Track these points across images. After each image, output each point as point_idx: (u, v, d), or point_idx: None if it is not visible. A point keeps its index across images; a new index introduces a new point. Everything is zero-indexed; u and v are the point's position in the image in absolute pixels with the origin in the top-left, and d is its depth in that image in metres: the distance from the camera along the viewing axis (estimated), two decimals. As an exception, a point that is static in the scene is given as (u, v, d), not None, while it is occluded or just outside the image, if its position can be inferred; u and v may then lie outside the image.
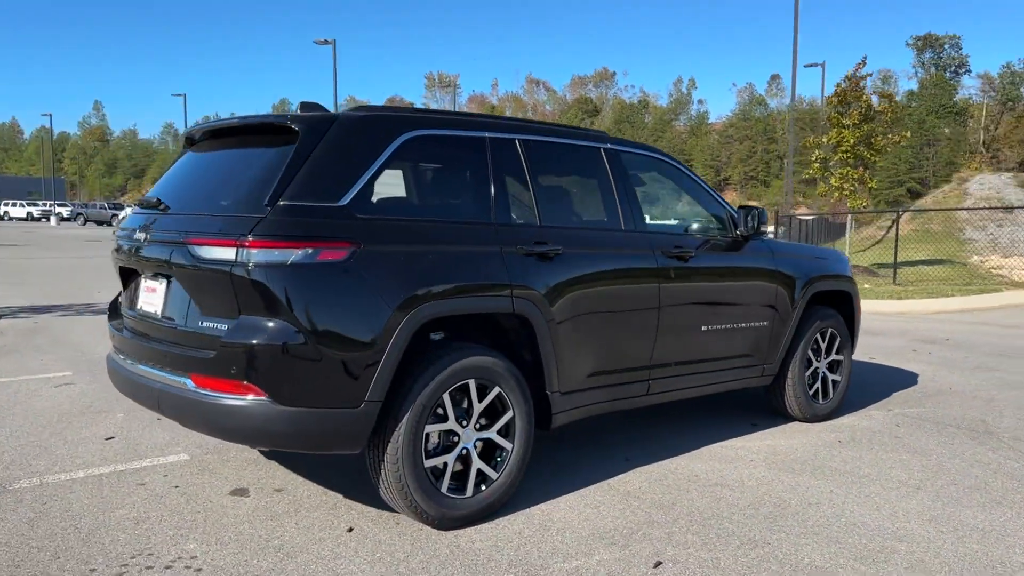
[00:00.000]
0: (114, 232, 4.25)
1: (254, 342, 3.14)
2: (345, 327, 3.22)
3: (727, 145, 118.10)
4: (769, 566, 3.24)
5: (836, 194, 19.33)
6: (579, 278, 3.98)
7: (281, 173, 3.30)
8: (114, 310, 4.26)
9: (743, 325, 4.98)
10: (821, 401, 5.59)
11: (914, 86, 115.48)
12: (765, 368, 5.22)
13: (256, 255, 3.13)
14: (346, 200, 3.34)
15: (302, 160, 3.33)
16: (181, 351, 3.41)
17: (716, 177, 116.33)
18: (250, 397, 3.18)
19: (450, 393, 3.51)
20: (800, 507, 3.90)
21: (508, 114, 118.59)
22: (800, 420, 5.53)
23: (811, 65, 36.22)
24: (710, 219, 5.00)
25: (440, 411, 3.52)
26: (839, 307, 5.77)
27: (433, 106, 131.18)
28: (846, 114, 17.78)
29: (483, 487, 3.64)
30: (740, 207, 5.03)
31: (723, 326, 4.84)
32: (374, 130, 3.56)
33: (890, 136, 18.10)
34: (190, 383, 3.35)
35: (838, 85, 18.05)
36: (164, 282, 3.63)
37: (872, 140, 17.81)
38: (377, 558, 3.26)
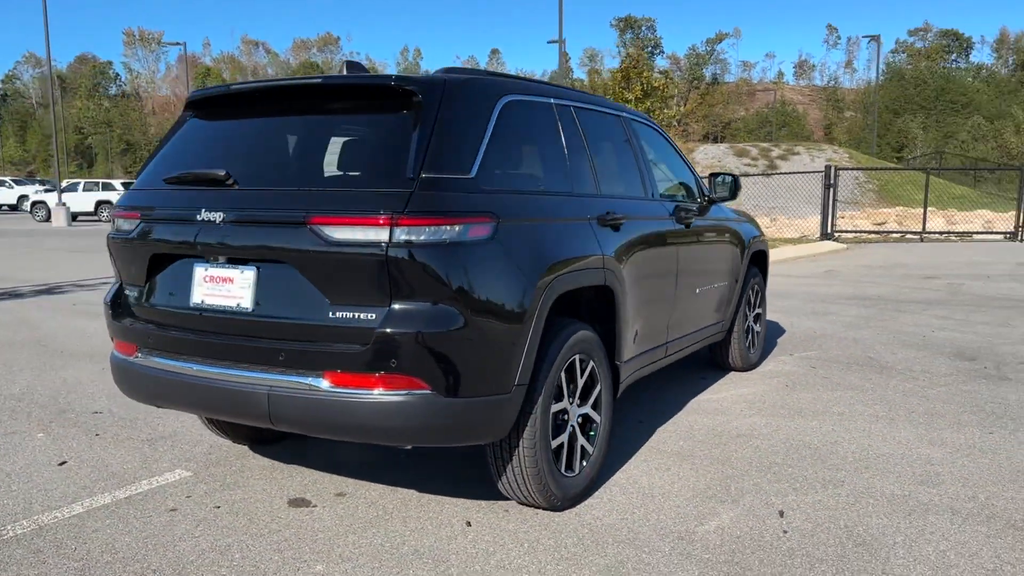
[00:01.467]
0: (110, 215, 3.52)
1: (418, 331, 2.81)
2: (499, 308, 3.00)
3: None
4: (868, 500, 3.56)
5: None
6: (635, 245, 4.01)
7: (416, 143, 2.94)
8: (119, 306, 3.53)
9: (718, 284, 5.31)
10: (752, 352, 6.12)
11: (617, 64, 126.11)
12: (723, 324, 5.61)
13: (414, 234, 2.78)
14: (474, 172, 3.07)
15: (430, 129, 3.00)
16: (303, 347, 2.95)
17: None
18: (411, 392, 2.85)
19: (565, 370, 3.41)
20: (827, 447, 4.29)
21: (227, 77, 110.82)
22: (738, 370, 6.03)
23: (553, 41, 38.20)
24: (692, 184, 5.24)
25: (559, 390, 3.40)
26: (759, 265, 6.33)
27: (135, 67, 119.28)
28: (629, 89, 19.15)
29: (584, 463, 3.59)
30: (711, 173, 5.34)
31: (709, 286, 5.13)
32: (481, 95, 3.29)
33: (666, 111, 19.85)
34: (323, 383, 2.91)
35: (623, 62, 19.38)
36: (249, 270, 3.08)
37: (651, 114, 19.37)
38: (523, 547, 3.11)
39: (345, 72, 3.55)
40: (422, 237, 2.79)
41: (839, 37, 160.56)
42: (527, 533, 3.24)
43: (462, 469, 3.95)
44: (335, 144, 3.28)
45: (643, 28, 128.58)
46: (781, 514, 3.42)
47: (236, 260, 3.11)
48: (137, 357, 3.41)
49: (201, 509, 3.48)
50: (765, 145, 37.79)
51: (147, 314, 3.40)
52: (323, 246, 2.86)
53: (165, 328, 3.31)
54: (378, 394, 2.85)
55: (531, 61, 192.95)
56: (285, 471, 3.93)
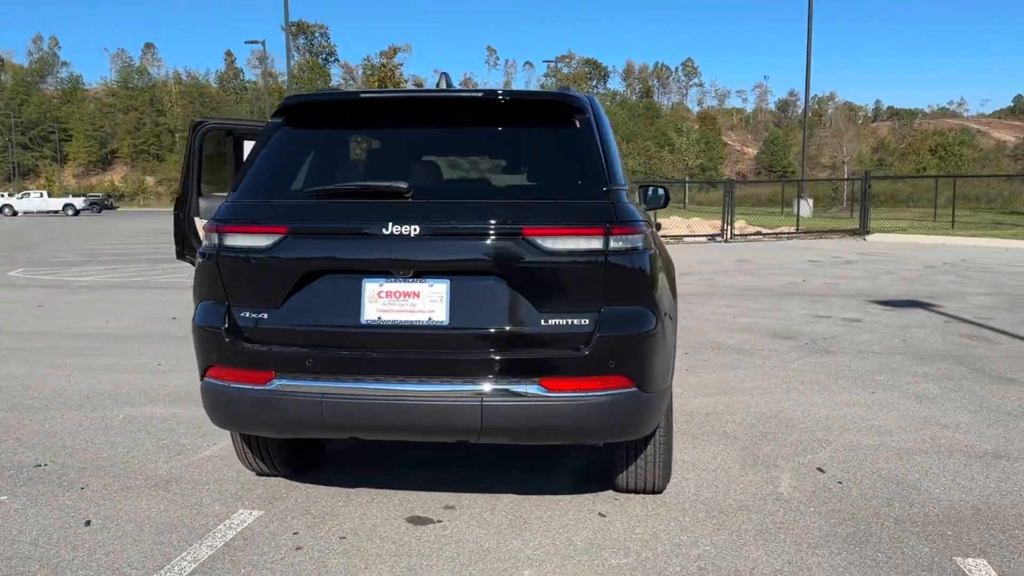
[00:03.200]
0: (216, 230, 3.15)
1: (630, 332, 3.02)
2: (670, 308, 3.29)
3: (110, 115, 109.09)
4: (861, 451, 4.38)
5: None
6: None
7: (595, 156, 3.14)
8: (237, 330, 3.15)
9: None
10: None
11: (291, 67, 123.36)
12: None
13: (622, 241, 2.99)
14: (626, 183, 3.33)
15: (598, 143, 3.20)
16: (515, 355, 2.97)
17: (102, 150, 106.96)
18: (621, 390, 3.04)
19: None
20: (784, 415, 5.11)
21: None
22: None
23: (252, 42, 36.74)
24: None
25: None
26: None
27: None
28: None
29: None
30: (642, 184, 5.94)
31: None
32: (603, 110, 3.53)
33: None
34: (539, 388, 2.96)
35: (381, 66, 19.29)
36: (440, 283, 3.01)
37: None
38: (676, 525, 3.43)
39: (443, 84, 3.56)
40: (627, 244, 3.01)
41: (498, 59, 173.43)
42: (663, 515, 3.55)
43: (516, 470, 4.09)
44: (505, 156, 3.31)
45: (316, 34, 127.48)
46: (821, 470, 4.11)
47: (423, 274, 3.03)
48: (274, 384, 3.10)
49: (322, 543, 3.27)
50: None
51: (290, 337, 3.12)
52: (538, 256, 2.95)
53: (323, 349, 3.08)
54: (595, 395, 3.01)
55: (192, 59, 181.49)
56: (365, 495, 3.77)
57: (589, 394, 3.01)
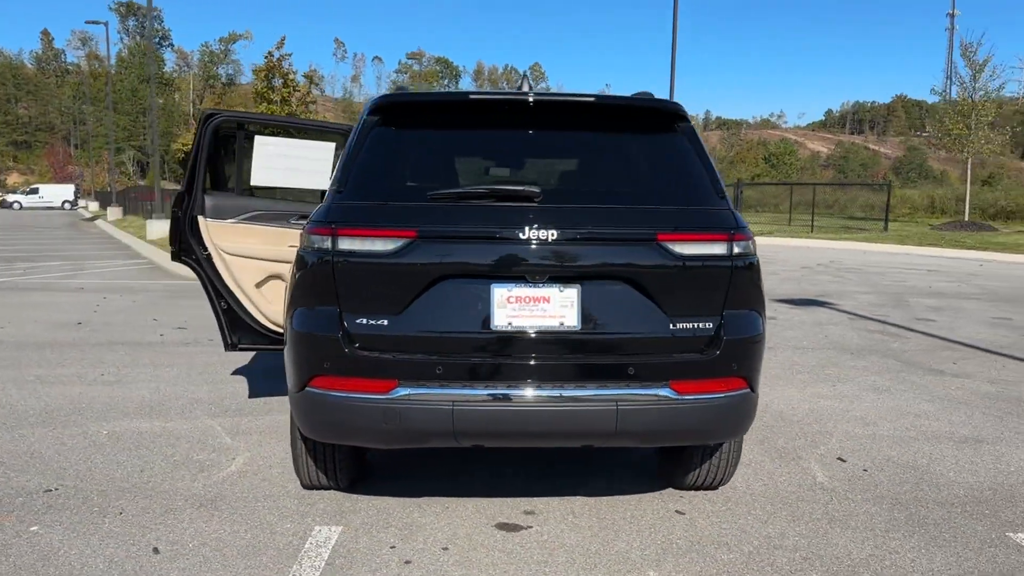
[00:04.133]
0: (330, 231, 2.97)
1: (748, 335, 3.15)
2: (764, 312, 3.44)
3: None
4: (868, 441, 4.74)
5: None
6: None
7: (703, 164, 3.25)
8: (352, 338, 2.99)
9: None
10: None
11: (118, 51, 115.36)
12: None
13: (741, 247, 3.13)
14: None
15: (702, 150, 3.31)
16: (647, 360, 3.02)
17: None
18: (739, 391, 3.16)
19: None
20: (789, 412, 5.42)
21: None
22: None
23: (92, 22, 34.09)
24: None
25: None
26: None
27: None
28: (274, 90, 18.21)
29: None
30: None
31: None
32: None
33: (307, 114, 19.32)
34: (670, 391, 3.03)
35: (267, 57, 18.31)
36: (571, 288, 3.01)
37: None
38: (758, 523, 3.61)
39: (525, 85, 3.55)
40: (745, 250, 3.15)
41: (346, 51, 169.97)
42: (737, 510, 3.71)
43: (564, 472, 4.14)
44: (617, 162, 3.33)
45: (146, 17, 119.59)
46: (842, 460, 4.42)
47: (554, 279, 3.01)
48: (398, 393, 2.98)
49: (427, 555, 3.19)
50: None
51: (414, 344, 3.00)
52: (670, 261, 3.02)
53: (451, 355, 2.99)
54: (719, 396, 3.12)
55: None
56: (436, 504, 3.69)
57: (714, 396, 3.12)
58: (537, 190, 3.06)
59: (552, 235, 3.00)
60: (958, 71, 28.28)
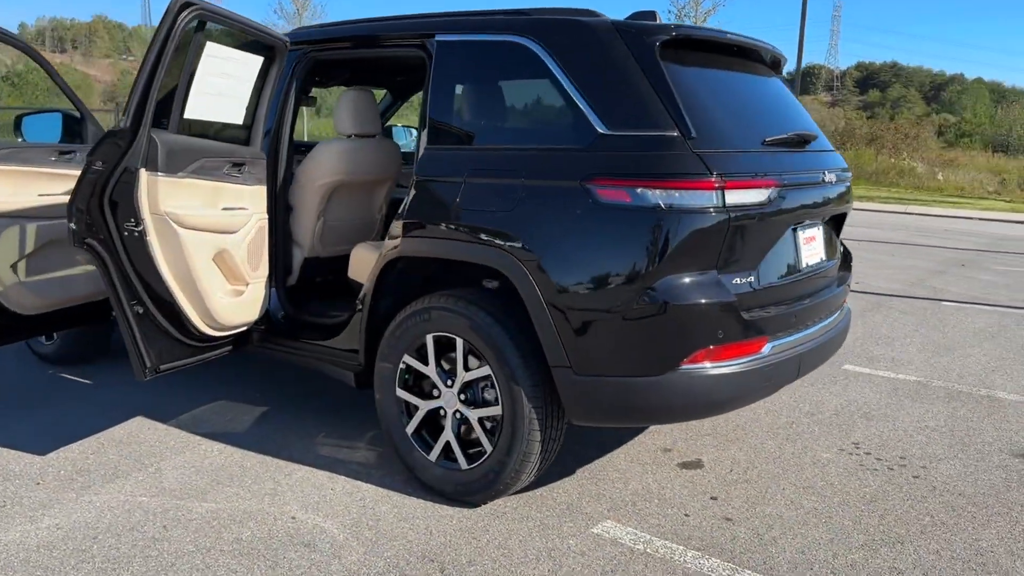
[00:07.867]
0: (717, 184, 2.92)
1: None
2: None
3: None
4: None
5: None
6: None
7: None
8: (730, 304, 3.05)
9: None
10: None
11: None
12: None
13: None
14: None
15: None
16: (842, 291, 3.91)
17: None
18: None
19: None
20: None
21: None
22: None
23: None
24: None
25: None
26: None
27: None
28: None
29: None
30: None
31: None
32: None
33: None
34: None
35: None
36: (820, 227, 3.65)
37: None
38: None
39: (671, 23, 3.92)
40: None
41: None
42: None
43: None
44: (772, 104, 3.67)
45: None
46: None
47: (816, 220, 3.56)
48: (766, 349, 3.12)
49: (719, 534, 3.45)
50: None
51: (774, 296, 3.24)
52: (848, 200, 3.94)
53: (795, 302, 3.37)
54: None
55: None
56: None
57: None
58: (815, 135, 3.64)
59: (834, 177, 3.55)
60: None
